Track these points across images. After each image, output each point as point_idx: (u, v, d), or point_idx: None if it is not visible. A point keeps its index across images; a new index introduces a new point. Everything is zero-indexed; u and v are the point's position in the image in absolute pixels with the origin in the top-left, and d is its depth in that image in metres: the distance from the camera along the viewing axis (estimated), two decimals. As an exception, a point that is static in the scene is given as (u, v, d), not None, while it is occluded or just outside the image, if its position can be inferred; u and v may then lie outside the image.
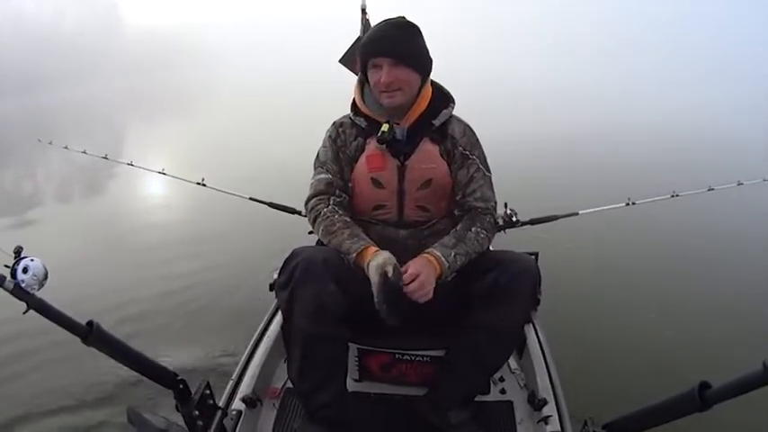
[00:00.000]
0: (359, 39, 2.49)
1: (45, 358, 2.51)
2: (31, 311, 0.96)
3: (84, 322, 1.03)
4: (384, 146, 1.36)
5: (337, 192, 1.41)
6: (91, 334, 1.02)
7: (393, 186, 1.39)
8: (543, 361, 1.59)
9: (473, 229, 1.36)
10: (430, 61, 1.37)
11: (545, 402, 1.43)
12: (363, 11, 2.50)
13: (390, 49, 1.29)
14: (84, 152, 3.02)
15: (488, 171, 1.46)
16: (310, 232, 1.50)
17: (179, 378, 1.17)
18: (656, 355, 2.49)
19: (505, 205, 2.13)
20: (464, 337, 1.35)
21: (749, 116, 11.11)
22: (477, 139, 1.46)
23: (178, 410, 1.19)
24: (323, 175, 1.42)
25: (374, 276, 1.17)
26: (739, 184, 2.66)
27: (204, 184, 2.64)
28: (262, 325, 1.73)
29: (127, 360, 1.12)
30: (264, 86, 22.00)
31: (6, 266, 0.94)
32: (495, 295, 1.29)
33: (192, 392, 1.21)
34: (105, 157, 2.92)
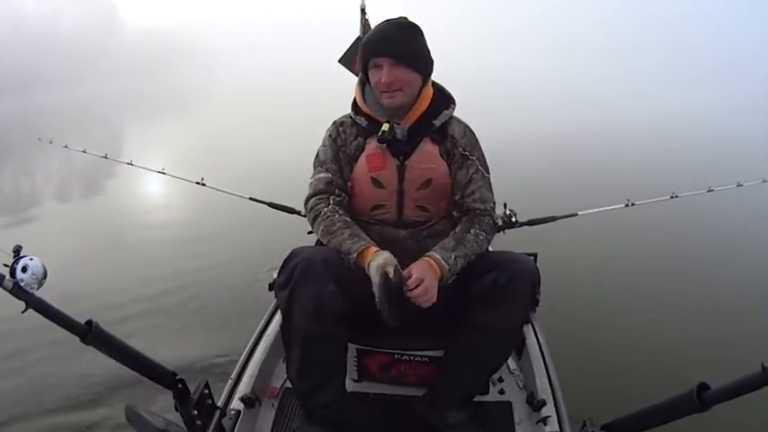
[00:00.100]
0: (358, 39, 2.50)
1: (43, 357, 2.51)
2: (30, 310, 0.96)
3: (83, 321, 1.03)
4: (384, 145, 1.36)
5: (337, 191, 1.41)
6: (90, 333, 1.02)
7: (393, 186, 1.39)
8: (542, 361, 1.59)
9: (472, 231, 1.37)
10: (431, 62, 1.37)
11: (544, 403, 1.43)
12: (363, 11, 2.50)
13: (391, 50, 1.30)
14: (84, 151, 3.02)
15: (488, 172, 1.46)
16: (310, 232, 1.50)
17: (178, 378, 1.17)
18: (655, 355, 2.49)
19: (505, 206, 2.14)
20: (463, 337, 1.35)
21: (749, 116, 11.11)
22: (477, 141, 1.46)
23: (177, 410, 1.19)
24: (322, 174, 1.42)
25: (375, 276, 1.18)
26: (739, 185, 2.66)
27: (204, 184, 2.65)
28: (261, 325, 1.73)
29: (126, 359, 1.11)
30: (264, 86, 21.97)
31: (5, 265, 0.94)
32: (494, 296, 1.29)
33: (191, 392, 1.21)
34: (105, 157, 2.93)
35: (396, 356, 1.50)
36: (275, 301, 1.52)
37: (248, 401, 1.43)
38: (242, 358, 1.58)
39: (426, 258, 1.28)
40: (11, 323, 2.50)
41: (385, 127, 1.33)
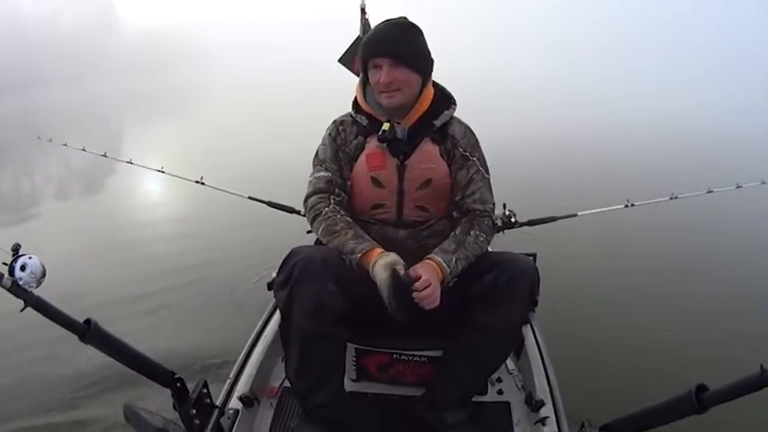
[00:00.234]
0: (358, 38, 2.50)
1: (41, 355, 2.51)
2: (29, 309, 0.96)
3: (81, 320, 1.03)
4: (384, 145, 1.36)
5: (337, 190, 1.41)
6: (88, 332, 1.02)
7: (393, 186, 1.39)
8: (541, 362, 1.59)
9: (472, 233, 1.37)
10: (431, 62, 1.37)
11: (542, 403, 1.43)
12: (363, 11, 2.50)
13: (391, 50, 1.29)
14: (84, 149, 3.01)
15: (488, 173, 1.46)
16: (309, 231, 1.50)
17: (176, 376, 1.17)
18: (655, 355, 2.48)
19: (504, 206, 2.14)
20: (462, 337, 1.35)
21: (749, 116, 11.12)
22: (478, 141, 1.46)
23: (175, 409, 1.19)
24: (322, 173, 1.42)
25: (382, 274, 1.18)
26: (738, 186, 2.66)
27: (203, 183, 2.64)
28: (260, 324, 1.73)
29: (124, 358, 1.11)
30: (264, 86, 21.99)
31: (4, 264, 0.94)
32: (493, 296, 1.28)
33: (190, 391, 1.21)
34: (104, 155, 2.92)
35: (394, 356, 1.50)
36: (274, 300, 1.52)
37: (247, 401, 1.43)
38: (240, 357, 1.58)
39: (428, 261, 1.28)
40: (9, 321, 2.50)
41: (385, 126, 1.33)
